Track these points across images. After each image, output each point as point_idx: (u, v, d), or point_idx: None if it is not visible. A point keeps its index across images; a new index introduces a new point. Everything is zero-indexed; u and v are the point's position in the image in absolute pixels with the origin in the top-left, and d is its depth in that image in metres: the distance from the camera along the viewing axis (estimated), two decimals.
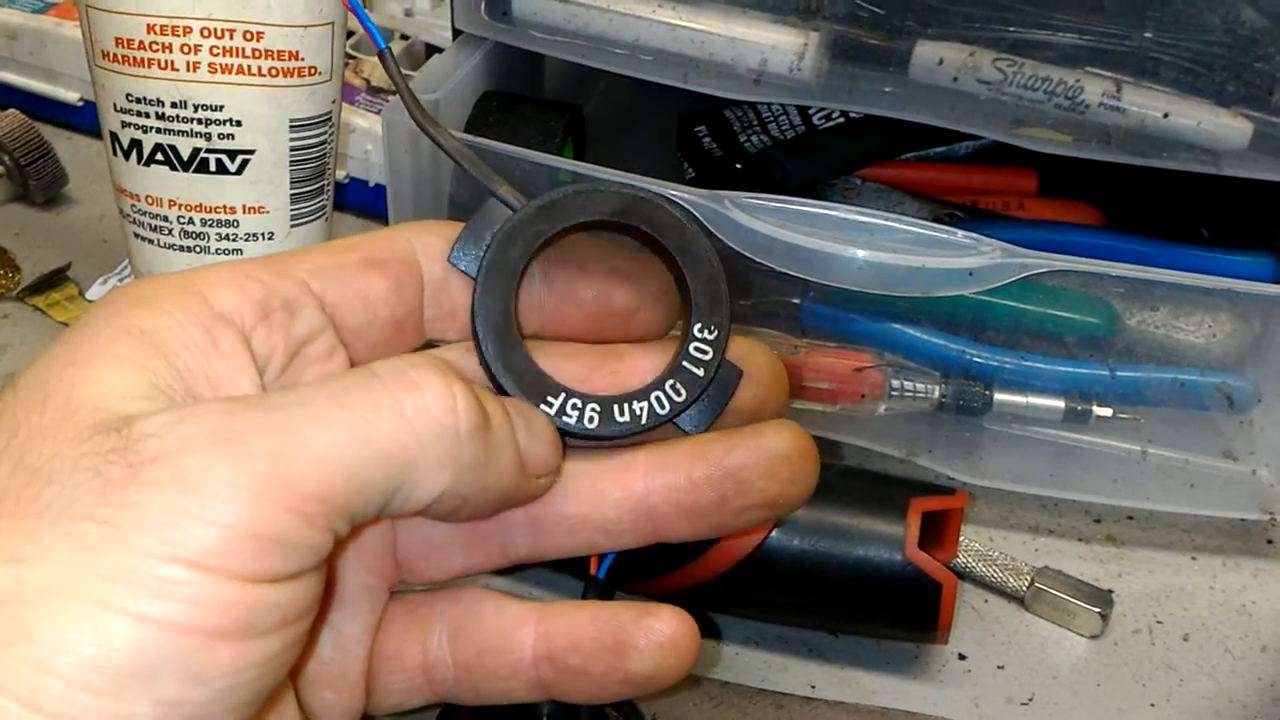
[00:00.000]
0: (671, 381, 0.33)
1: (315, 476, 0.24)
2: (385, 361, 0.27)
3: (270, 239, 0.51)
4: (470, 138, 0.55)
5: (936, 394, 0.53)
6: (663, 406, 0.33)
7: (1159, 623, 0.50)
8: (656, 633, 0.31)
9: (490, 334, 0.31)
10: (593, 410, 0.32)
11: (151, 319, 0.27)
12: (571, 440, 0.32)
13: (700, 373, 0.33)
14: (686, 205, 0.50)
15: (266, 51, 0.47)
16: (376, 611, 0.33)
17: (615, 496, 0.32)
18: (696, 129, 0.67)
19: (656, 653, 0.31)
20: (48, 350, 0.27)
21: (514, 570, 0.50)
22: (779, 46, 0.54)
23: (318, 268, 0.30)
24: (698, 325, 0.33)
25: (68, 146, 0.72)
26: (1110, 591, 0.50)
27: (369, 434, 0.25)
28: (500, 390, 0.32)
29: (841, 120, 0.65)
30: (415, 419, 0.25)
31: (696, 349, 0.33)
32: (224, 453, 0.24)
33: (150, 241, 0.50)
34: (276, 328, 0.29)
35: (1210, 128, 0.52)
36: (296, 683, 0.31)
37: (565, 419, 0.32)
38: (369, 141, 0.68)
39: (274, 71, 0.48)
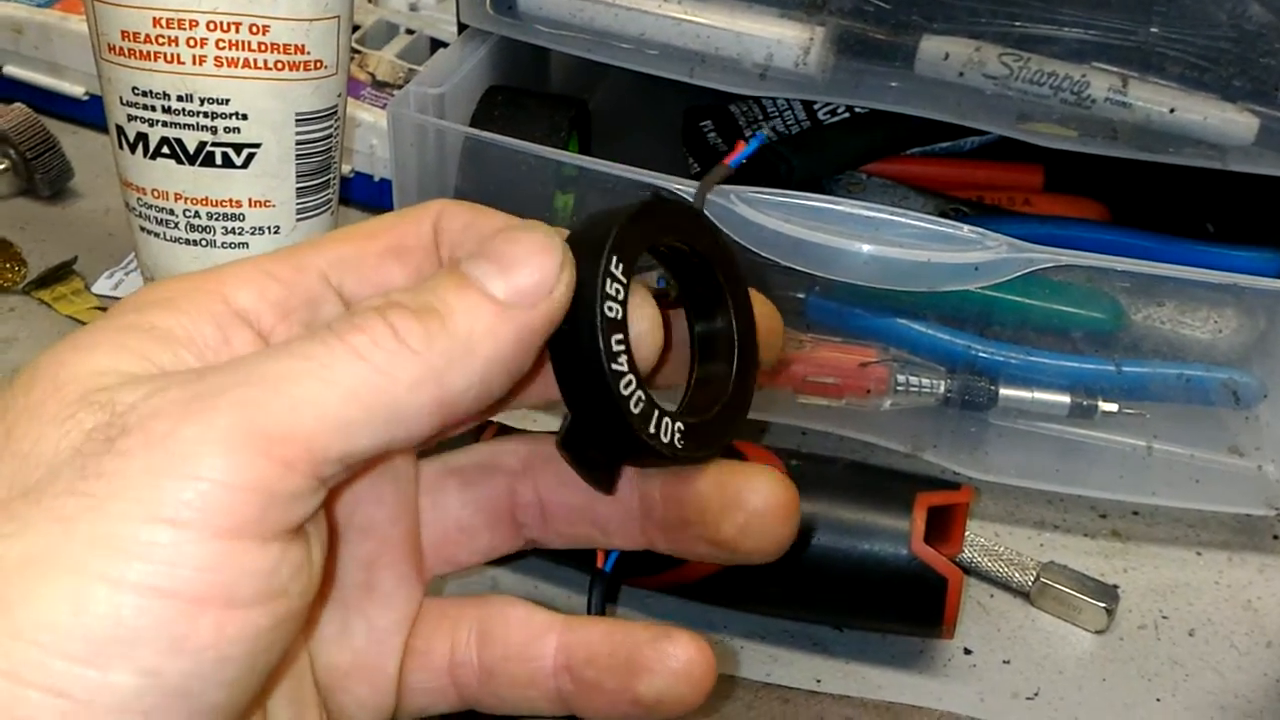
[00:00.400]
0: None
1: (286, 421, 0.24)
2: (339, 316, 0.27)
3: (276, 232, 0.51)
4: (476, 132, 0.55)
5: (942, 389, 0.53)
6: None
7: (1164, 618, 0.50)
8: (670, 657, 0.31)
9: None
10: (679, 428, 0.30)
11: (165, 318, 0.27)
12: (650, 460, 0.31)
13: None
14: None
15: (272, 45, 0.47)
16: (411, 604, 0.33)
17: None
18: (702, 123, 0.67)
19: (668, 678, 0.31)
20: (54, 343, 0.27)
21: (517, 562, 0.50)
22: (785, 41, 0.54)
23: (337, 259, 0.30)
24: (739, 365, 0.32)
25: (73, 140, 0.72)
26: (1116, 586, 0.50)
27: (330, 377, 0.25)
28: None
29: (847, 115, 0.65)
30: (367, 353, 0.25)
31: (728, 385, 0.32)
32: (190, 412, 0.24)
33: (156, 235, 0.50)
34: (297, 325, 0.29)
35: (1216, 123, 0.51)
36: (331, 678, 0.31)
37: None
38: (374, 135, 0.68)
39: (280, 65, 0.48)
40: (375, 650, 0.32)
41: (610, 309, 0.28)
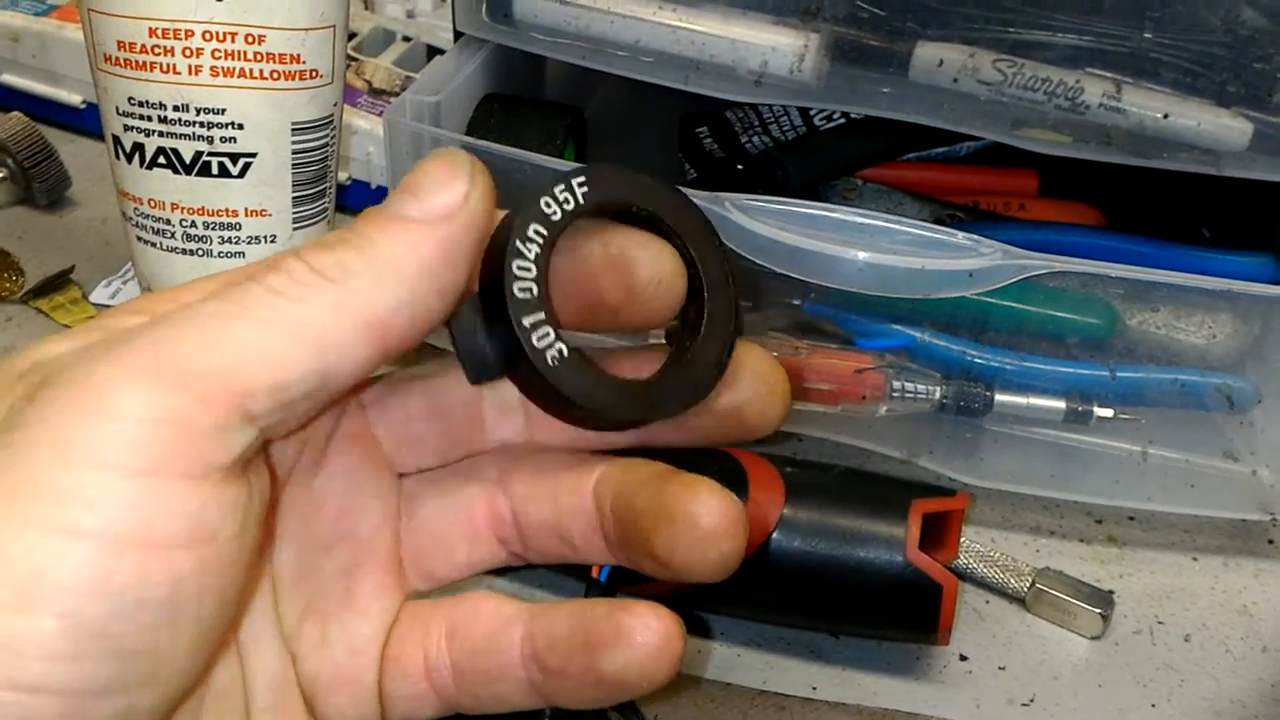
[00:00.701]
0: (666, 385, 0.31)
1: (202, 356, 0.24)
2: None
3: (273, 241, 0.51)
4: (472, 140, 0.55)
5: (937, 395, 0.53)
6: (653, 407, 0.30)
7: (1160, 623, 0.50)
8: (626, 628, 0.29)
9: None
10: (561, 350, 0.30)
11: (131, 319, 0.27)
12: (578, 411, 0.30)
13: (694, 383, 0.31)
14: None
15: (268, 55, 0.47)
16: (389, 613, 0.32)
17: (569, 503, 0.32)
18: (698, 130, 0.67)
19: (626, 650, 0.29)
20: None
21: (518, 571, 0.50)
22: (779, 48, 0.54)
23: None
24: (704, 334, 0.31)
25: (71, 149, 0.72)
26: (1111, 592, 0.51)
27: (248, 314, 0.25)
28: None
29: (842, 121, 0.66)
30: (283, 288, 0.25)
31: (696, 357, 0.31)
32: (106, 357, 0.24)
33: (153, 245, 0.51)
34: None
35: (1210, 128, 0.52)
36: (313, 688, 0.31)
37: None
38: (371, 143, 0.69)
39: (276, 74, 0.48)
40: (354, 661, 0.31)
41: (534, 230, 0.29)
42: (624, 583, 0.46)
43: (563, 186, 0.30)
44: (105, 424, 0.23)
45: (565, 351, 0.29)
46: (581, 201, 0.30)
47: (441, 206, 0.27)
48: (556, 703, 0.31)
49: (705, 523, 0.28)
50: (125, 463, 0.23)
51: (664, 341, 0.34)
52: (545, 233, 0.30)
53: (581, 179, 0.30)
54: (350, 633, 0.32)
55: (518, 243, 0.29)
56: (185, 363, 0.24)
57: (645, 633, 0.29)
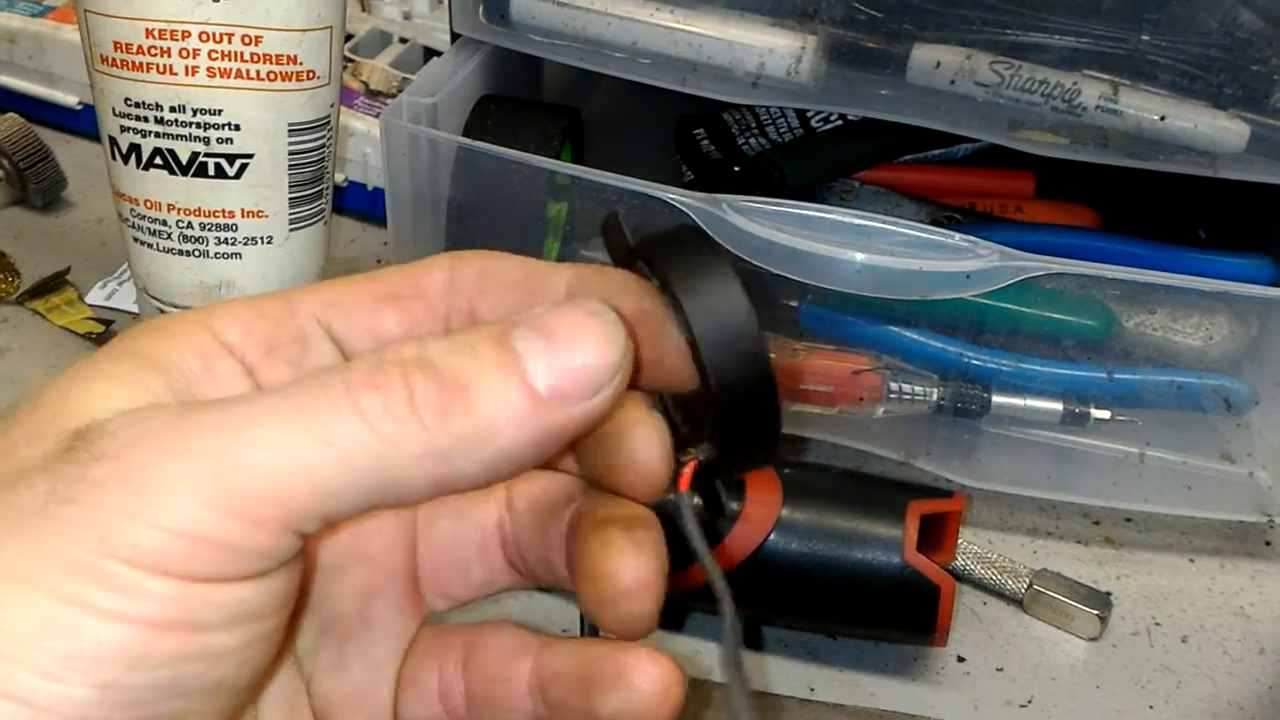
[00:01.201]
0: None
1: (264, 480, 0.23)
2: (357, 358, 0.25)
3: (269, 242, 0.51)
4: (469, 141, 0.55)
5: (935, 397, 0.53)
6: None
7: (1157, 625, 0.50)
8: (625, 670, 0.29)
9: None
10: None
11: (154, 345, 0.27)
12: None
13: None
14: (686, 209, 0.50)
15: (265, 55, 0.47)
16: (407, 634, 0.32)
17: (555, 533, 0.31)
18: (695, 132, 0.67)
19: (624, 693, 0.29)
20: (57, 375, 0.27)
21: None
22: (777, 50, 0.54)
23: (328, 302, 0.29)
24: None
25: (67, 150, 0.72)
26: (1109, 594, 0.51)
27: (325, 435, 0.23)
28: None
29: (840, 123, 0.66)
30: (375, 420, 0.24)
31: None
32: (167, 454, 0.23)
33: (149, 245, 0.50)
34: (283, 362, 0.28)
35: (1207, 130, 0.52)
36: (328, 707, 0.31)
37: None
38: (368, 145, 0.69)
39: (272, 75, 0.48)
40: (371, 680, 0.31)
41: None
42: None
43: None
44: (148, 533, 0.23)
45: None
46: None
47: (571, 389, 0.25)
48: None
49: (622, 582, 0.28)
50: (169, 568, 0.23)
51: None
52: None
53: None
54: (367, 653, 0.31)
55: None
56: (243, 486, 0.23)
57: (643, 678, 0.29)
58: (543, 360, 0.24)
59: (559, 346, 0.24)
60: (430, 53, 0.79)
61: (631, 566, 0.28)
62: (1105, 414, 0.53)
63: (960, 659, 0.48)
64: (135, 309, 0.59)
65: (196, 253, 0.50)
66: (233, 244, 0.50)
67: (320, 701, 0.31)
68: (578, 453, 0.30)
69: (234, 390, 0.27)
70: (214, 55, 0.47)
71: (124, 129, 0.48)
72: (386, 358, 0.24)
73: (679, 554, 0.39)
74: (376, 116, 0.68)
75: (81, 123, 0.75)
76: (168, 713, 0.24)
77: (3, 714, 0.22)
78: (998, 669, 0.48)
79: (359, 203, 0.70)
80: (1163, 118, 0.52)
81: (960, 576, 0.51)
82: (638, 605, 0.28)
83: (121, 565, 0.22)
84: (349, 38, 0.76)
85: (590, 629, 0.35)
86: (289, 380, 0.25)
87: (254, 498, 0.23)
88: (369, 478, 0.24)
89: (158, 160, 0.48)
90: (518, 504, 0.32)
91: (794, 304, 0.55)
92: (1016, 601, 0.51)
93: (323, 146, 0.51)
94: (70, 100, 0.75)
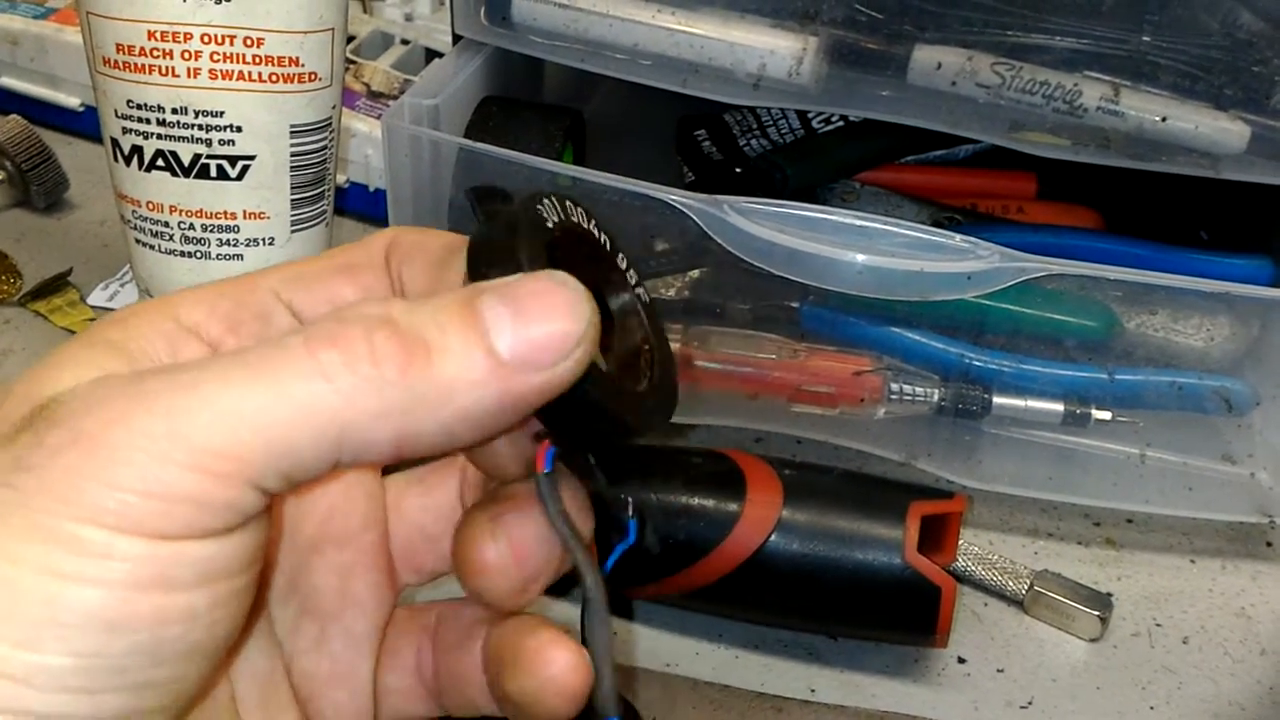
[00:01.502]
0: None
1: (221, 434, 0.23)
2: (319, 320, 0.25)
3: (271, 244, 0.51)
4: (471, 143, 0.55)
5: (936, 397, 0.53)
6: None
7: (1158, 626, 0.50)
8: (528, 652, 0.29)
9: None
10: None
11: (118, 332, 0.27)
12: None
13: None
14: (687, 210, 0.50)
15: (267, 57, 0.47)
16: (384, 610, 0.33)
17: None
18: (696, 133, 0.67)
19: (524, 677, 0.29)
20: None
21: None
22: (778, 51, 0.54)
23: (286, 278, 0.29)
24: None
25: (69, 152, 0.72)
26: (1109, 595, 0.51)
27: (281, 391, 0.23)
28: None
29: (841, 124, 0.66)
30: (333, 374, 0.24)
31: None
32: (122, 412, 0.23)
33: (151, 247, 0.50)
34: (246, 338, 0.28)
35: (1208, 131, 0.52)
36: (310, 685, 0.31)
37: None
38: (369, 146, 0.69)
39: (274, 77, 0.48)
40: (351, 658, 0.32)
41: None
42: (625, 584, 0.47)
43: (549, 204, 0.29)
44: (111, 494, 0.22)
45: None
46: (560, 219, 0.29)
47: (534, 353, 0.25)
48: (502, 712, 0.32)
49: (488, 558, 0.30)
50: (135, 527, 0.23)
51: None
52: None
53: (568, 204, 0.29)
54: (348, 630, 0.32)
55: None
56: (200, 440, 0.23)
57: (544, 663, 0.29)
58: (508, 326, 0.25)
59: (525, 314, 0.25)
60: (432, 54, 0.79)
61: (491, 549, 0.29)
62: (1106, 415, 0.53)
63: (961, 660, 0.48)
64: None
65: (198, 254, 0.50)
66: (235, 245, 0.50)
67: (301, 680, 0.31)
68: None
69: None
70: (216, 57, 0.47)
71: (126, 131, 0.48)
72: (348, 315, 0.25)
73: (677, 557, 0.40)
74: (378, 118, 0.68)
75: (83, 124, 0.75)
76: (146, 680, 0.24)
77: None
78: (998, 670, 0.48)
79: (361, 204, 0.70)
80: (1164, 119, 0.52)
81: (961, 577, 0.51)
82: (495, 581, 0.29)
83: (91, 528, 0.22)
84: (351, 39, 0.76)
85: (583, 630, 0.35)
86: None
87: (212, 451, 0.23)
88: (327, 434, 0.24)
89: (160, 162, 0.48)
90: (469, 477, 0.33)
91: (795, 305, 0.55)
92: (1017, 603, 0.51)
93: (324, 148, 0.51)
94: (72, 102, 0.75)
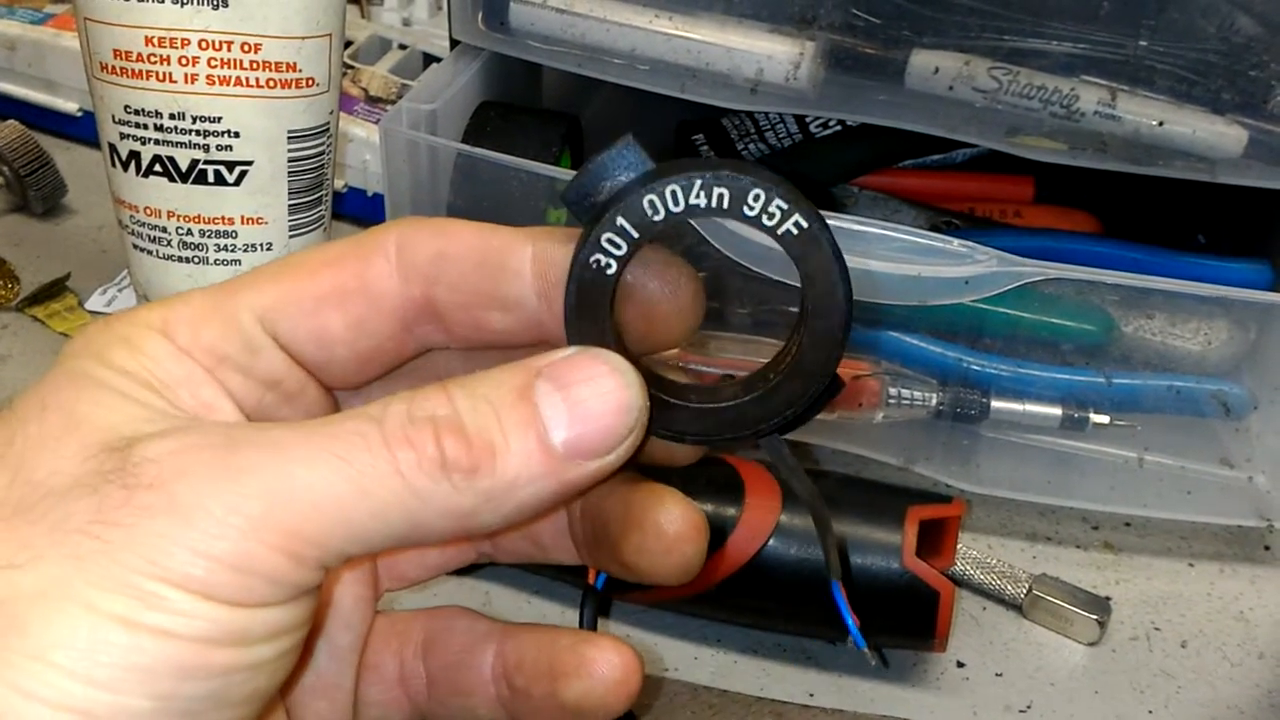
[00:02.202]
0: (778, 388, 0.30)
1: (308, 522, 0.25)
2: (391, 409, 0.26)
3: (269, 249, 0.51)
4: (468, 148, 0.55)
5: (934, 402, 0.53)
6: (768, 415, 0.30)
7: (1157, 630, 0.50)
8: (589, 660, 0.31)
9: (579, 300, 0.28)
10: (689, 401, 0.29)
11: (129, 359, 0.27)
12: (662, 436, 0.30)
13: (811, 387, 0.30)
14: None
15: (264, 63, 0.47)
16: (367, 622, 0.33)
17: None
18: (694, 137, 0.67)
19: (587, 681, 0.30)
20: (39, 379, 0.27)
21: (512, 577, 0.50)
22: (775, 56, 0.54)
23: (270, 305, 0.29)
24: (792, 344, 0.30)
25: (67, 157, 0.72)
26: (1108, 598, 0.51)
27: (365, 488, 0.25)
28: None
29: (838, 129, 0.66)
30: (410, 476, 0.25)
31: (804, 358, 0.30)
32: (218, 489, 0.24)
33: (149, 253, 0.51)
34: (232, 371, 0.28)
35: (1205, 135, 0.52)
36: (292, 694, 0.32)
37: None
38: (367, 151, 0.69)
39: (272, 83, 0.48)
40: (334, 669, 0.33)
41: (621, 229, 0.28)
42: (619, 590, 0.47)
43: (674, 189, 0.28)
44: (200, 561, 0.24)
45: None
46: (684, 207, 0.28)
47: (590, 447, 0.26)
48: (521, 719, 0.33)
49: (670, 530, 0.29)
50: (214, 594, 0.24)
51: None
52: (636, 234, 0.28)
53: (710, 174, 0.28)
54: (331, 642, 0.33)
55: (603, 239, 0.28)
56: (289, 525, 0.24)
57: (605, 666, 0.31)
58: (563, 419, 0.26)
59: (577, 405, 0.26)
60: (429, 59, 0.79)
61: (680, 515, 0.29)
62: (1104, 419, 0.53)
63: (959, 664, 0.48)
64: None
65: (196, 260, 0.50)
66: (232, 251, 0.50)
67: (286, 688, 0.32)
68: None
69: (219, 396, 0.28)
70: (213, 63, 0.47)
71: (123, 136, 0.48)
72: (418, 414, 0.26)
73: None
74: (376, 123, 0.68)
75: (81, 129, 0.75)
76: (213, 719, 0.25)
77: None
78: (997, 674, 0.48)
79: (358, 209, 0.70)
80: (1161, 123, 0.52)
81: (959, 582, 0.51)
82: (690, 548, 0.29)
83: (171, 589, 0.23)
84: (348, 44, 0.76)
85: (589, 624, 0.35)
86: (284, 422, 0.27)
87: (296, 536, 0.24)
88: (397, 526, 0.26)
89: (157, 167, 0.49)
90: None
91: (794, 309, 0.54)
92: (1016, 607, 0.51)
93: (322, 153, 0.51)
94: (70, 107, 0.75)
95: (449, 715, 0.33)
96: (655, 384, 0.29)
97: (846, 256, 0.30)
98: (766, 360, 0.31)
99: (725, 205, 0.28)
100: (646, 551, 0.29)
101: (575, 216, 0.28)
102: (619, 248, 0.28)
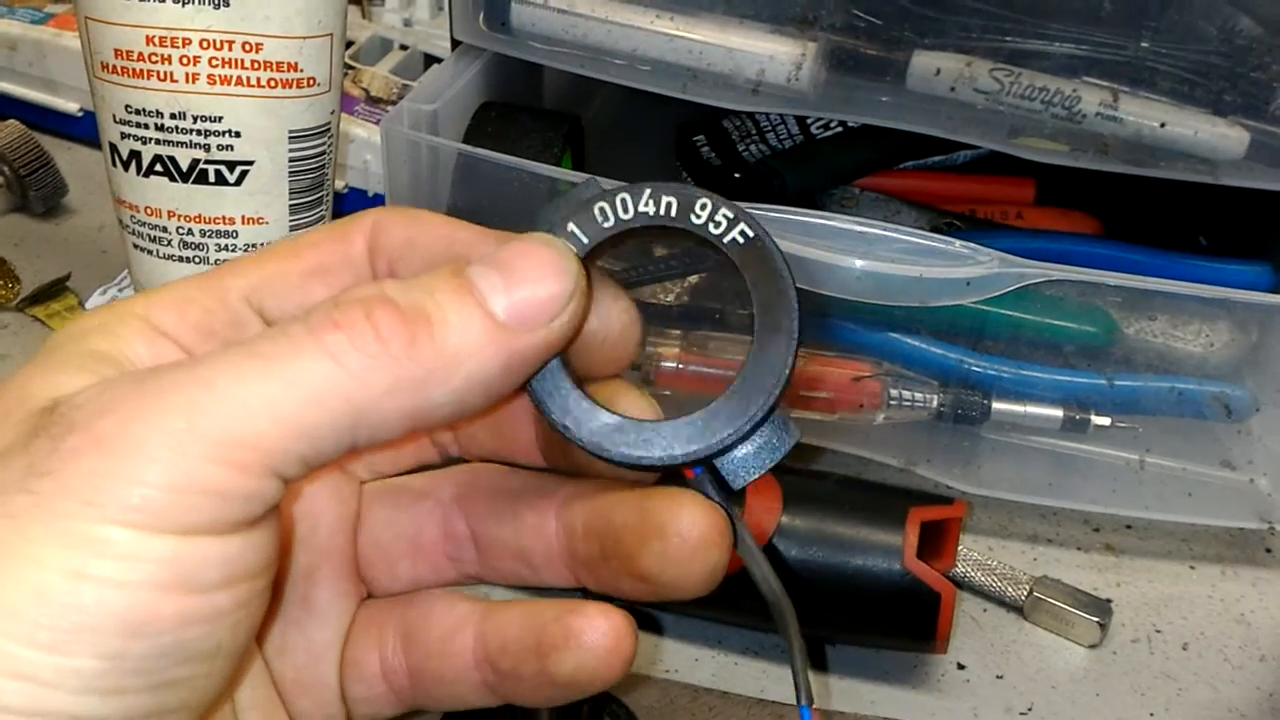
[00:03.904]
0: (717, 413, 0.28)
1: (241, 425, 0.23)
2: (316, 306, 0.25)
3: None
4: (469, 148, 0.55)
5: (935, 403, 0.53)
6: (695, 441, 0.28)
7: (1158, 632, 0.50)
8: (576, 631, 0.29)
9: None
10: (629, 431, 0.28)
11: (103, 342, 0.27)
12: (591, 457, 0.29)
13: (746, 415, 0.28)
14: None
15: (265, 63, 0.47)
16: (346, 618, 0.32)
17: (531, 523, 0.31)
18: (695, 139, 0.67)
19: (578, 652, 0.29)
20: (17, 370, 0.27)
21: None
22: (777, 57, 0.54)
23: (257, 283, 0.29)
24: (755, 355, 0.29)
25: (67, 157, 0.72)
26: (1109, 601, 0.50)
27: (293, 377, 0.24)
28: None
29: (840, 130, 0.66)
30: (341, 355, 0.24)
31: (749, 389, 0.28)
32: (138, 411, 0.23)
33: (149, 252, 0.50)
34: (219, 345, 0.28)
35: (1207, 137, 0.52)
36: (279, 689, 0.31)
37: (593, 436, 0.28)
38: (368, 151, 0.69)
39: (273, 83, 0.48)
40: (315, 665, 0.32)
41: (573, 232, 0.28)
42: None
43: (625, 198, 0.28)
44: (134, 490, 0.23)
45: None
46: (633, 214, 0.29)
47: (529, 315, 0.26)
48: (512, 701, 0.32)
49: (692, 535, 0.28)
50: (159, 525, 0.23)
51: None
52: (586, 239, 0.28)
53: (648, 193, 0.29)
54: (309, 638, 0.32)
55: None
56: (219, 432, 0.23)
57: (594, 634, 0.29)
58: (500, 290, 0.25)
59: (515, 276, 0.26)
60: (430, 60, 0.79)
61: (702, 518, 0.28)
62: (1105, 421, 0.53)
63: (960, 666, 0.48)
64: None
65: (197, 259, 0.50)
66: (233, 251, 0.50)
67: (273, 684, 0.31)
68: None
69: None
70: (214, 62, 0.47)
71: (124, 136, 0.48)
72: (343, 299, 0.25)
73: None
74: (377, 123, 0.68)
75: (82, 129, 0.75)
76: (173, 679, 0.24)
77: (5, 691, 0.22)
78: (998, 676, 0.48)
79: (359, 209, 0.70)
80: (1163, 124, 0.52)
81: (960, 584, 0.51)
82: (715, 554, 0.28)
83: (115, 528, 0.23)
84: (349, 45, 0.76)
85: (588, 592, 0.34)
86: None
87: (232, 443, 0.23)
88: (342, 415, 0.24)
89: (158, 167, 0.48)
90: (477, 498, 0.32)
91: None
92: (1017, 609, 0.50)
93: (323, 153, 0.51)
94: (71, 107, 0.75)
95: (437, 704, 0.33)
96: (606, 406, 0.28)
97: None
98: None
99: (673, 213, 0.29)
100: (670, 560, 0.28)
101: None
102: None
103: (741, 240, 0.29)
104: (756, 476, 0.29)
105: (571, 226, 0.28)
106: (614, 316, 0.29)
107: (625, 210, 0.28)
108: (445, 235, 0.30)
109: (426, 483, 0.33)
